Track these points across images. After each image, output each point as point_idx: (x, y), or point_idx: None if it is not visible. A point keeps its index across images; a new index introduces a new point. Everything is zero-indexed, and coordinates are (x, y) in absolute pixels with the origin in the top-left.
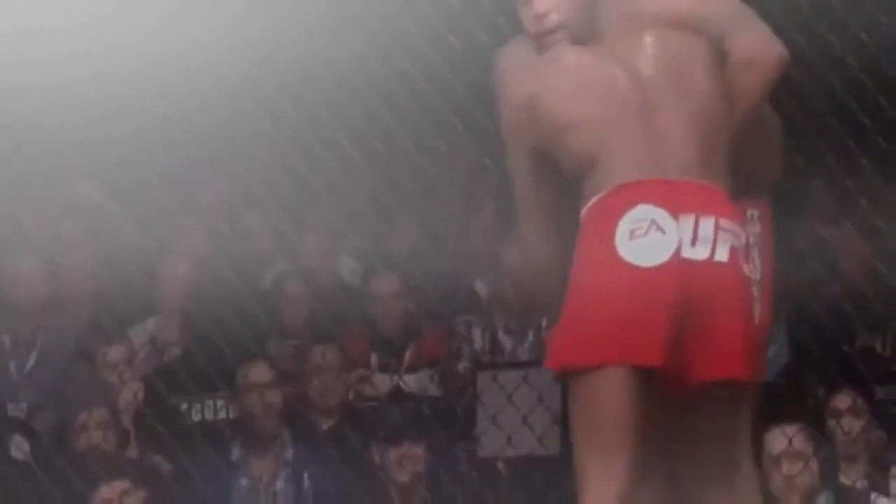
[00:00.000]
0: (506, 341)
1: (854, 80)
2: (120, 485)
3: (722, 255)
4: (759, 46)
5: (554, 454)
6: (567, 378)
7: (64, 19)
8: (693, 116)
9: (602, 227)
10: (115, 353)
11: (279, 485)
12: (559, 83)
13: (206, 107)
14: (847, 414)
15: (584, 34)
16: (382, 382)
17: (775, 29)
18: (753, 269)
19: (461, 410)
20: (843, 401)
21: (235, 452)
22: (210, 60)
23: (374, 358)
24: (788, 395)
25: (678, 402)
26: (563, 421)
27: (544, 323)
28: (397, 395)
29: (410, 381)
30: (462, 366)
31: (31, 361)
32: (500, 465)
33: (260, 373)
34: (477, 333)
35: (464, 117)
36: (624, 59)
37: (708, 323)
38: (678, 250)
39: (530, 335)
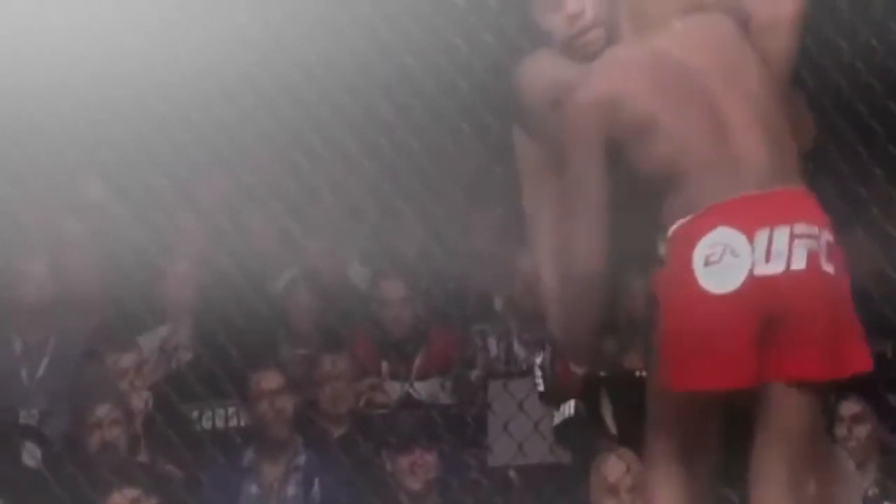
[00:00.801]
0: (521, 351)
1: (863, 85)
2: (131, 492)
3: (799, 262)
4: (774, 4)
5: (565, 462)
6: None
7: (64, 19)
8: (752, 106)
9: (682, 254)
10: (126, 360)
11: (290, 491)
12: (640, 81)
13: (208, 107)
14: (854, 420)
15: (613, 31)
16: (393, 390)
17: None
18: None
19: (472, 418)
20: (850, 407)
21: (246, 459)
22: (212, 60)
23: (384, 365)
24: None
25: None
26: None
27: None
28: (408, 402)
29: (421, 389)
30: (474, 374)
31: (43, 368)
32: (512, 474)
33: (271, 380)
34: (492, 343)
35: (470, 118)
36: (674, 52)
37: (793, 329)
38: (751, 271)
39: (547, 346)
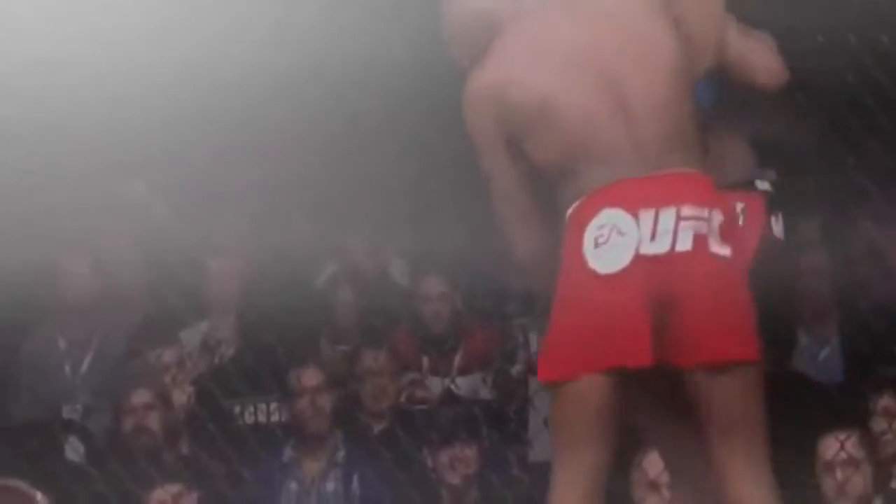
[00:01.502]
0: None
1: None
2: (173, 487)
3: (684, 244)
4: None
5: None
6: (551, 387)
7: (106, 18)
8: (656, 87)
9: (573, 238)
10: (168, 355)
11: (329, 486)
12: (531, 65)
13: (253, 104)
14: (890, 415)
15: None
16: (434, 385)
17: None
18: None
19: (513, 414)
20: (887, 402)
21: (287, 454)
22: (253, 56)
23: (425, 361)
24: (841, 400)
25: (686, 401)
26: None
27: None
28: (449, 398)
29: (462, 384)
30: (515, 369)
31: (86, 364)
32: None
33: (311, 376)
34: (534, 338)
35: None
36: (575, 29)
37: (683, 310)
38: (637, 250)
39: None
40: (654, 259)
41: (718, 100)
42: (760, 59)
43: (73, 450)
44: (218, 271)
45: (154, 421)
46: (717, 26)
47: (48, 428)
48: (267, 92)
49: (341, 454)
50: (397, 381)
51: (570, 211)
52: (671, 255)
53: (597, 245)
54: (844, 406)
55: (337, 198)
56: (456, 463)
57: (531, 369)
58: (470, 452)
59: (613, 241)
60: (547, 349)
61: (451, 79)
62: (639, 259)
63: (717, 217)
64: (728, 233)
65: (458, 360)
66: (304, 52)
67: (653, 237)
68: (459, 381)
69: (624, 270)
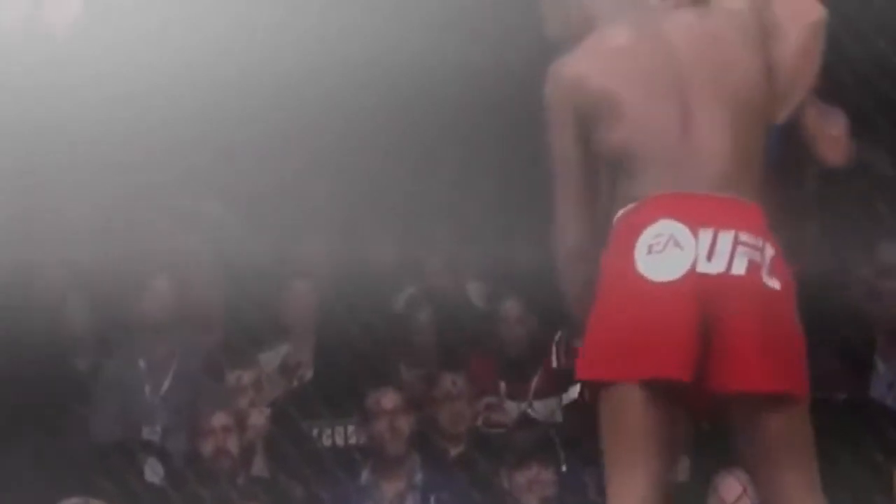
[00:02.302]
0: None
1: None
2: None
3: (739, 268)
4: (797, 12)
5: (682, 480)
6: (593, 391)
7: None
8: (728, 110)
9: (625, 241)
10: (246, 377)
11: None
12: (612, 63)
13: (333, 127)
14: None
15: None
16: (511, 409)
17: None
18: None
19: (589, 437)
20: None
21: (364, 477)
22: (333, 76)
23: (502, 385)
24: None
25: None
26: (692, 448)
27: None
28: (526, 422)
29: (539, 408)
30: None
31: (166, 385)
32: None
33: (390, 399)
34: None
35: None
36: (663, 40)
37: (727, 336)
38: (694, 265)
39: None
40: (708, 278)
41: (782, 155)
42: (830, 132)
43: (153, 471)
44: (297, 293)
45: (233, 443)
46: (808, 82)
47: (128, 449)
48: (350, 115)
49: (419, 477)
50: (474, 405)
51: (621, 212)
52: (725, 277)
53: (650, 252)
54: None
55: (415, 220)
56: (533, 485)
57: None
58: (547, 475)
59: (669, 251)
60: (586, 348)
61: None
62: (692, 274)
63: (770, 251)
64: (777, 269)
65: (535, 383)
66: (380, 65)
67: (709, 257)
68: (536, 405)
69: (677, 282)
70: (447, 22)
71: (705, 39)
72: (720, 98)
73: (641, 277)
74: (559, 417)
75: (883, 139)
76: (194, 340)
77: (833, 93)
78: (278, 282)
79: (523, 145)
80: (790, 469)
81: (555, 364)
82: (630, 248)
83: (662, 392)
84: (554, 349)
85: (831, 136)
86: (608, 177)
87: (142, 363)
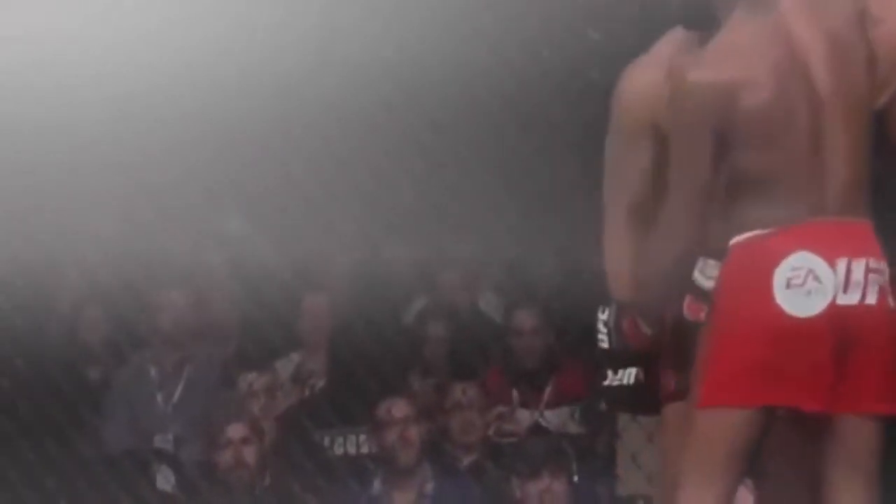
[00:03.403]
0: None
1: None
2: None
3: (872, 297)
4: None
5: None
6: (694, 410)
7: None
8: (855, 124)
9: (760, 271)
10: (260, 382)
11: None
12: (758, 69)
13: (348, 138)
14: None
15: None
16: (523, 418)
17: None
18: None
19: (602, 448)
20: None
21: (376, 487)
22: (349, 83)
23: (514, 394)
24: None
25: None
26: None
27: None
28: (538, 431)
29: (551, 418)
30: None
31: (178, 393)
32: None
33: (400, 408)
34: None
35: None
36: (789, 35)
37: (860, 360)
38: (834, 299)
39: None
40: (845, 310)
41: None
42: None
43: (165, 479)
44: (312, 303)
45: (251, 454)
46: None
47: (140, 457)
48: (366, 124)
49: (430, 486)
50: (486, 415)
51: (747, 236)
52: (860, 308)
53: (789, 286)
54: None
55: (428, 231)
56: (545, 496)
57: None
58: (559, 486)
59: (809, 286)
60: (714, 375)
61: (554, 114)
62: (833, 308)
63: (887, 272)
64: (892, 287)
65: (547, 394)
66: (405, 78)
67: (845, 288)
68: (548, 414)
69: (817, 317)
70: (459, 22)
71: (831, 45)
72: (846, 113)
73: (782, 312)
74: (571, 428)
75: None
76: (207, 350)
77: None
78: (293, 292)
79: (540, 155)
80: (864, 478)
81: (605, 345)
82: (766, 279)
83: (777, 418)
84: (602, 328)
85: None
86: (728, 188)
87: (153, 372)
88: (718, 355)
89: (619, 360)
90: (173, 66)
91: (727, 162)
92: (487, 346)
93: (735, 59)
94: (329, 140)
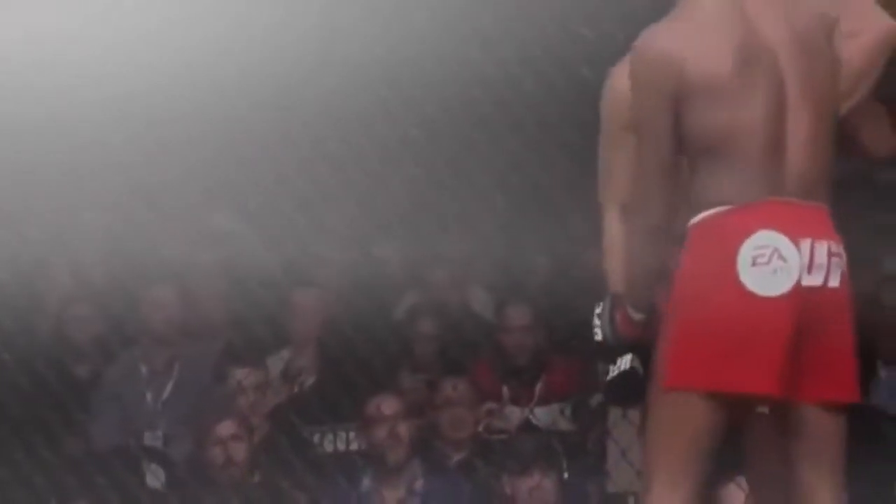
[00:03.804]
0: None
1: None
2: None
3: (835, 280)
4: (865, 18)
5: None
6: (659, 394)
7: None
8: (815, 109)
9: (723, 249)
10: (249, 380)
11: None
12: (714, 41)
13: (341, 135)
14: None
15: None
16: (513, 415)
17: None
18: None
19: (592, 445)
20: None
21: (365, 484)
22: (341, 82)
23: (504, 390)
24: None
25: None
26: None
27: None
28: (528, 428)
29: (541, 415)
30: (594, 400)
31: (168, 391)
32: (631, 501)
33: (389, 405)
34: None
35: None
36: (751, 17)
37: (821, 347)
38: (799, 279)
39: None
40: (810, 291)
41: None
42: (874, 127)
43: (154, 477)
44: (302, 300)
45: (240, 452)
46: (871, 82)
47: (130, 455)
48: (358, 122)
49: (420, 483)
50: (476, 411)
51: (710, 213)
52: (824, 291)
53: (755, 264)
54: None
55: (419, 228)
56: (535, 493)
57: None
58: (549, 483)
59: (775, 265)
60: (678, 356)
61: (524, 105)
62: (798, 289)
63: (845, 257)
64: (849, 275)
65: (538, 390)
66: (407, 84)
67: (810, 269)
68: (538, 411)
69: (782, 297)
70: (451, 23)
71: (795, 37)
72: (809, 98)
73: (747, 291)
74: (562, 425)
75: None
76: (197, 347)
77: None
78: (283, 289)
79: (530, 153)
80: (830, 467)
81: (598, 337)
82: (731, 257)
83: (741, 405)
84: (596, 321)
85: (881, 128)
86: (689, 165)
87: (143, 369)
88: (683, 337)
89: (612, 351)
90: (164, 67)
91: (686, 136)
92: (477, 344)
93: (691, 31)
94: (320, 138)
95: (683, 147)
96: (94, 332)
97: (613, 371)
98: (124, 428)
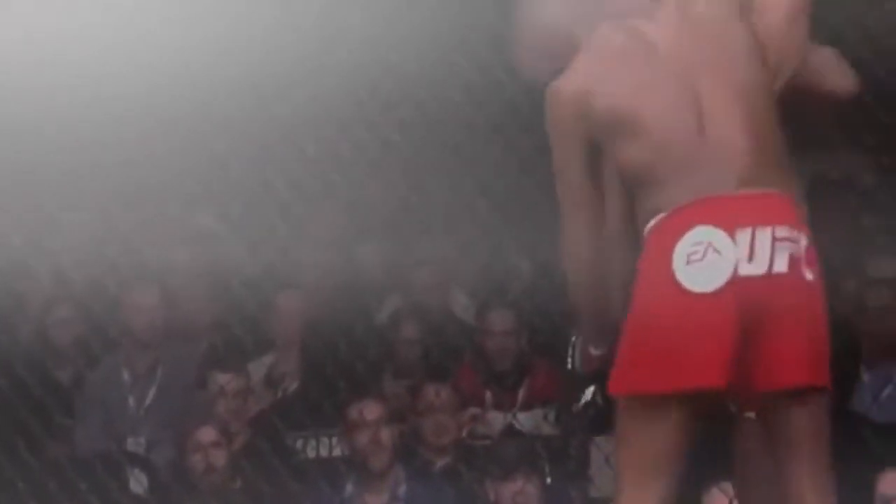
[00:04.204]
0: None
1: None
2: None
3: (780, 265)
4: None
5: None
6: (620, 402)
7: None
8: (740, 99)
9: (660, 252)
10: (231, 386)
11: None
12: (617, 72)
13: (322, 140)
14: None
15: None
16: (496, 420)
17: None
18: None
19: (575, 450)
20: None
21: (348, 489)
22: (322, 87)
23: (487, 395)
24: None
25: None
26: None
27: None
28: (511, 433)
29: (524, 420)
30: (577, 406)
31: (151, 396)
32: None
33: (372, 410)
34: None
35: None
36: (661, 36)
37: (772, 333)
38: (735, 270)
39: None
40: (751, 280)
41: None
42: (831, 68)
43: (137, 482)
44: (285, 305)
45: (220, 458)
46: (800, 48)
47: (112, 460)
48: (339, 127)
49: (403, 489)
50: (459, 416)
51: (652, 223)
52: (768, 277)
53: (689, 262)
54: None
55: (402, 232)
56: (518, 498)
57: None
58: (532, 488)
59: (709, 259)
60: (622, 361)
61: (505, 103)
62: (735, 280)
63: (804, 240)
64: (812, 259)
65: (521, 395)
66: (382, 88)
67: (750, 258)
68: (521, 416)
69: (719, 290)
70: (431, 27)
71: (698, 29)
72: (729, 88)
73: (682, 289)
74: (545, 430)
75: (868, 153)
76: (179, 351)
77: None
78: (265, 293)
79: (512, 157)
80: (813, 460)
81: (569, 366)
82: (666, 258)
83: (698, 402)
84: (570, 351)
85: (834, 70)
86: (624, 188)
87: (126, 375)
88: (627, 342)
89: (577, 381)
90: (144, 69)
91: (614, 163)
92: (460, 348)
93: (594, 67)
94: (302, 141)
95: (619, 174)
96: (76, 334)
97: (578, 404)
98: (107, 433)
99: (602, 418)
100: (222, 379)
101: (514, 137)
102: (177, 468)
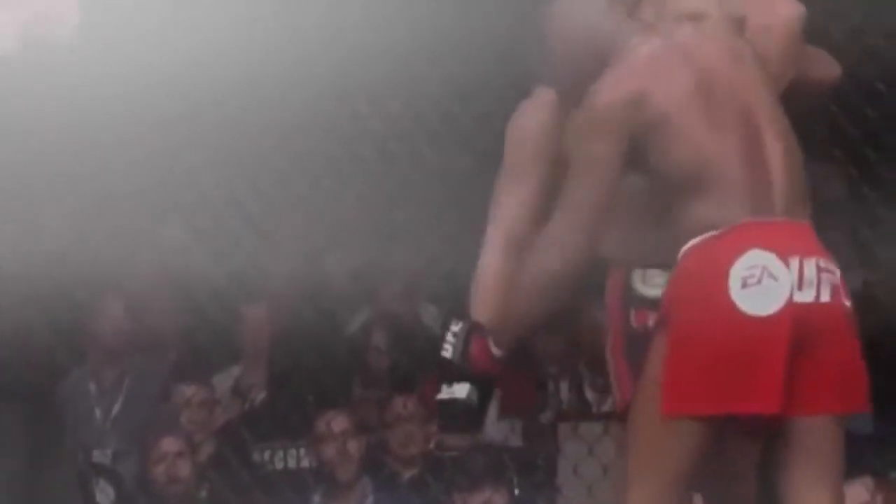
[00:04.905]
0: (591, 395)
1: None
2: None
3: (825, 295)
4: (770, 9)
5: None
6: (650, 420)
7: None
8: (775, 122)
9: (713, 273)
10: (197, 397)
11: None
12: (668, 77)
13: (288, 149)
14: None
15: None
16: None
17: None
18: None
19: (542, 461)
20: None
21: (316, 501)
22: (290, 98)
23: None
24: (871, 452)
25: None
26: None
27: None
28: (478, 444)
29: (492, 431)
30: (545, 417)
31: (117, 408)
32: None
33: (339, 422)
34: (564, 387)
35: None
36: (697, 50)
37: (819, 361)
38: (790, 296)
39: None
40: (802, 307)
41: None
42: (816, 58)
43: (104, 494)
44: (252, 315)
45: (185, 468)
46: (792, 67)
47: (78, 472)
48: (304, 136)
49: (370, 500)
50: (427, 428)
51: (699, 240)
52: (816, 306)
53: (745, 286)
54: (875, 458)
55: (370, 243)
56: None
57: (559, 417)
58: (499, 498)
59: (766, 284)
60: (675, 383)
61: (474, 116)
62: (790, 306)
63: (838, 272)
64: (846, 289)
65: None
66: (336, 90)
67: (800, 286)
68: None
69: (775, 315)
70: (399, 39)
71: (733, 55)
72: (773, 115)
73: (739, 312)
74: (512, 441)
75: (836, 166)
76: (146, 363)
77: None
78: (232, 304)
79: (480, 166)
80: (830, 480)
81: (448, 354)
82: (721, 280)
83: (740, 422)
84: (450, 337)
85: (820, 58)
86: (663, 198)
87: (92, 387)
88: (680, 363)
89: (455, 374)
90: (111, 80)
91: (655, 173)
92: (429, 359)
93: (643, 72)
94: (269, 151)
95: (655, 182)
96: (43, 345)
97: (445, 394)
98: (73, 445)
99: (470, 418)
100: (187, 390)
101: (483, 149)
102: (143, 479)
